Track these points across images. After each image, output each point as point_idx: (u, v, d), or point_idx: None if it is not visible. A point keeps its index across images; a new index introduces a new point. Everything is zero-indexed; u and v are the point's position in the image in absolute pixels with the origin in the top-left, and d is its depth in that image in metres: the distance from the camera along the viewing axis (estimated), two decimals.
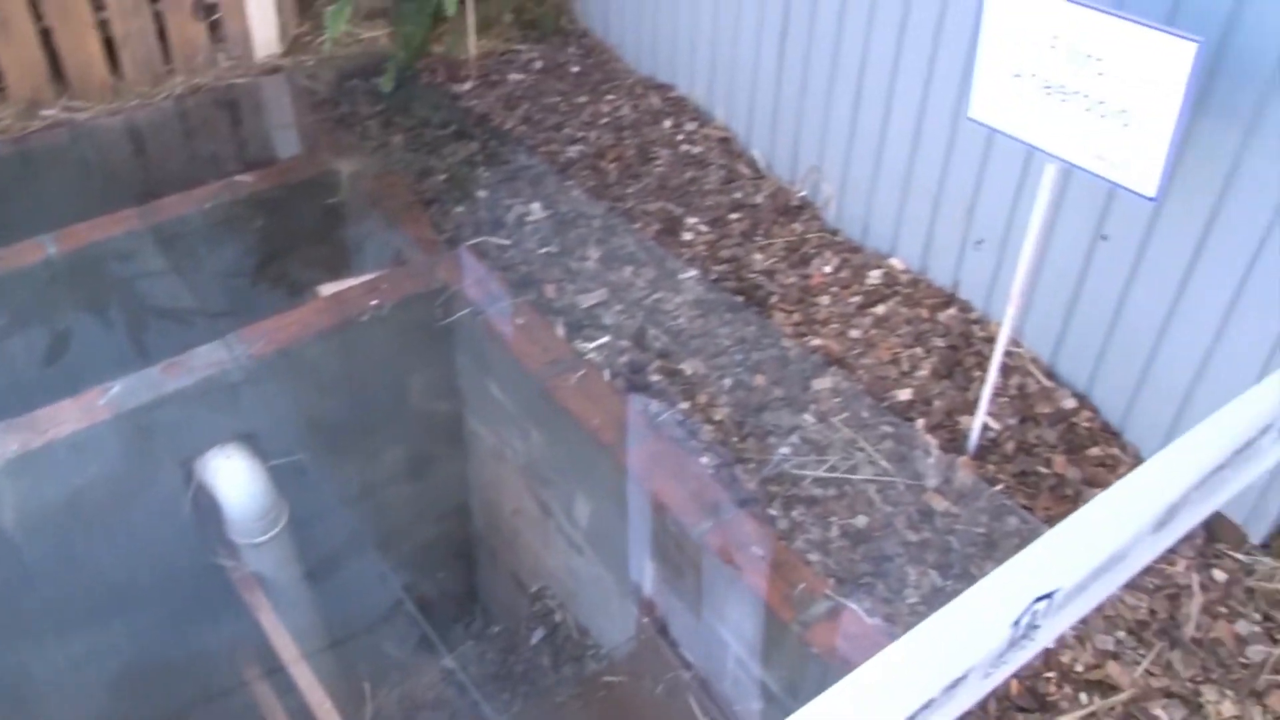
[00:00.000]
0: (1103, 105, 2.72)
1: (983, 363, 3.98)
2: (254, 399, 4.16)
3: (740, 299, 4.41)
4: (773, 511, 3.55)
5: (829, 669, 3.17)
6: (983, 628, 1.68)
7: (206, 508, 4.19)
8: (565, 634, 4.38)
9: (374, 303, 4.29)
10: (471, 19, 5.82)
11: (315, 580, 4.46)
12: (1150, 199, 2.75)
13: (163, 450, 4.11)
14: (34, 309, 4.69)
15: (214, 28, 5.80)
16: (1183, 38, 2.48)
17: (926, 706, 1.63)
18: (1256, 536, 3.40)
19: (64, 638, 4.19)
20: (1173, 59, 2.51)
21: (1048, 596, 1.75)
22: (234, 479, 4.18)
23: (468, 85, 5.89)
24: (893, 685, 1.62)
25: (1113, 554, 1.87)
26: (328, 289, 4.47)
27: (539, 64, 6.10)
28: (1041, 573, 1.71)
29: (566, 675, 4.22)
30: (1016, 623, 1.74)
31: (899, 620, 3.26)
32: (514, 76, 5.98)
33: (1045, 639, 1.93)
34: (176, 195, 4.91)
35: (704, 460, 3.73)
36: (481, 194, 5.00)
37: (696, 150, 5.24)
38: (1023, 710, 3.06)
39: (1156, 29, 2.55)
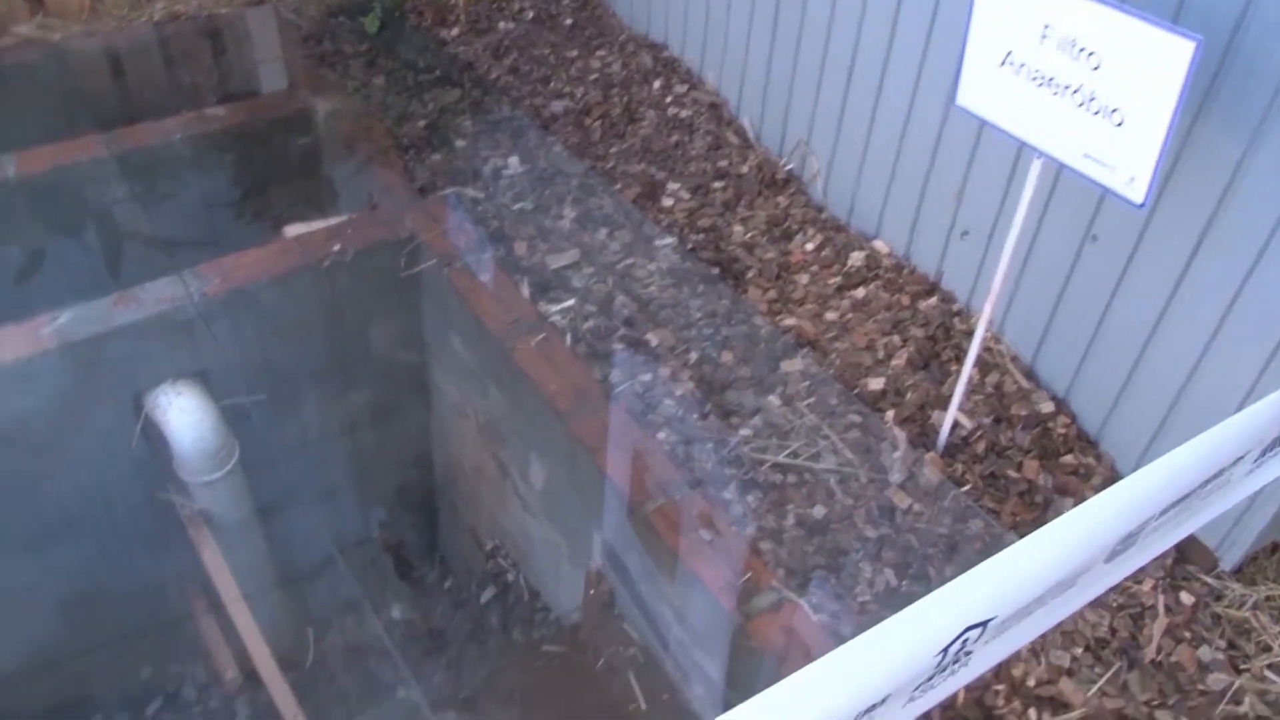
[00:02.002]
0: (1094, 102, 2.58)
1: (961, 356, 3.87)
2: (208, 337, 4.04)
3: (716, 271, 4.28)
4: (727, 495, 3.44)
5: (766, 662, 3.08)
6: (906, 654, 1.57)
7: (156, 443, 4.08)
8: (516, 595, 4.29)
9: (337, 248, 4.15)
10: None
11: (263, 522, 4.36)
12: (1138, 205, 2.61)
13: (112, 383, 3.99)
14: None
15: None
16: (1181, 35, 2.34)
17: None
18: (1228, 562, 3.30)
19: (7, 563, 4.09)
20: (1169, 58, 2.37)
21: (981, 625, 1.64)
22: (184, 416, 4.07)
23: (455, 31, 5.72)
24: (804, 708, 1.51)
25: (1058, 583, 1.76)
26: (293, 230, 4.33)
27: (530, 14, 5.91)
28: (975, 602, 1.60)
29: (515, 639, 4.14)
30: (945, 650, 1.63)
31: (846, 619, 3.16)
32: (504, 25, 5.80)
33: (980, 667, 1.83)
34: (146, 124, 4.76)
35: (661, 436, 3.61)
36: (460, 143, 4.85)
37: (685, 114, 5.08)
38: None
39: (1154, 24, 2.40)
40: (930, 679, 1.71)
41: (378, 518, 4.95)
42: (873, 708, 1.61)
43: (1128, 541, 1.87)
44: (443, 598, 4.41)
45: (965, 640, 1.66)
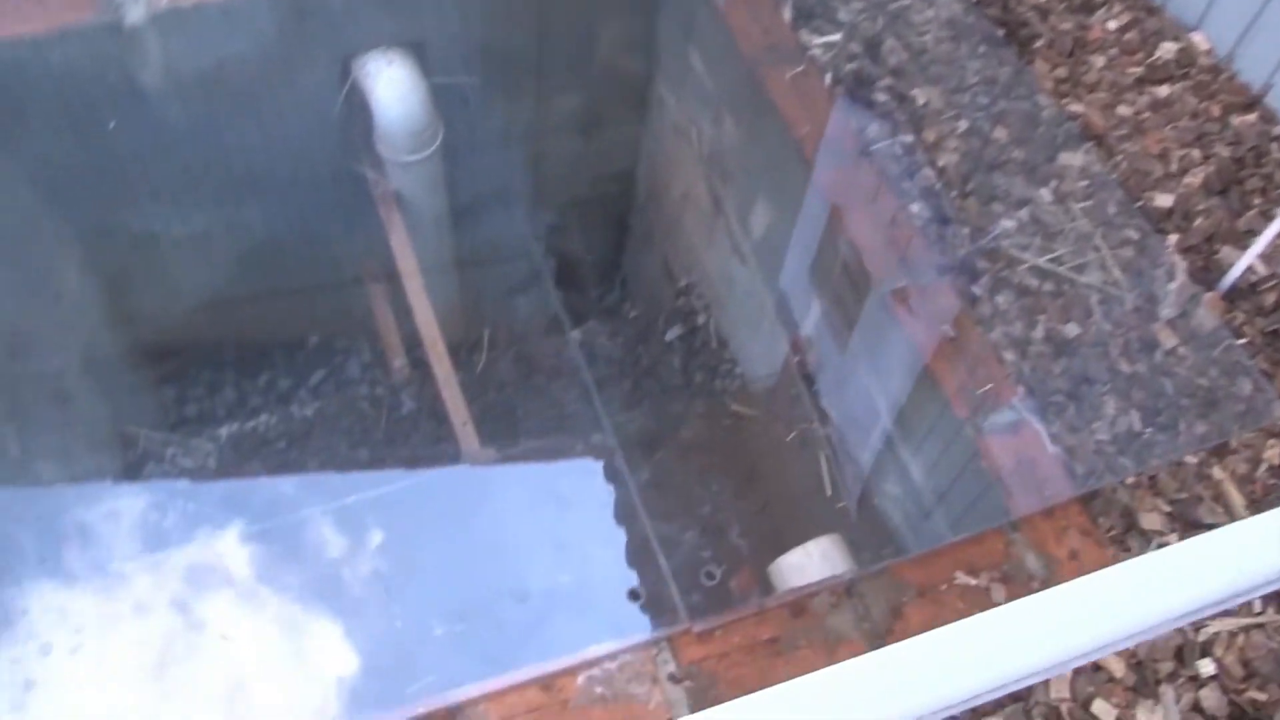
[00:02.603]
0: None
1: (1270, 190, 3.35)
2: (429, 5, 3.72)
3: (1001, 33, 3.75)
4: (976, 290, 3.10)
5: (986, 487, 2.83)
6: None
7: (358, 113, 3.85)
8: (703, 340, 4.07)
9: None
10: None
11: (455, 215, 4.17)
12: None
13: (321, 40, 3.73)
14: None
15: None
16: None
17: None
18: None
19: (195, 207, 4.01)
20: None
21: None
22: (392, 88, 3.81)
23: None
24: None
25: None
26: None
27: None
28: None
29: (695, 384, 3.95)
30: None
31: (1080, 458, 2.86)
32: None
33: None
34: None
35: (914, 208, 3.25)
36: None
37: None
38: None
39: None
40: None
41: (569, 226, 4.72)
42: None
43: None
44: (625, 324, 4.23)
45: None
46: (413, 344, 4.09)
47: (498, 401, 3.80)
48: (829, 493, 3.27)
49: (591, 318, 4.54)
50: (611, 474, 2.97)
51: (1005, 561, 2.65)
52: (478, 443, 3.20)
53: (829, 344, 3.41)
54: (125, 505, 3.31)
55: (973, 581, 2.61)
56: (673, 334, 4.12)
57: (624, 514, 2.89)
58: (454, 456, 3.26)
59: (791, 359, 3.54)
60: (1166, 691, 2.65)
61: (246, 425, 3.76)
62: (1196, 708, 2.63)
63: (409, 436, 3.63)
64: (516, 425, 3.61)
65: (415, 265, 3.80)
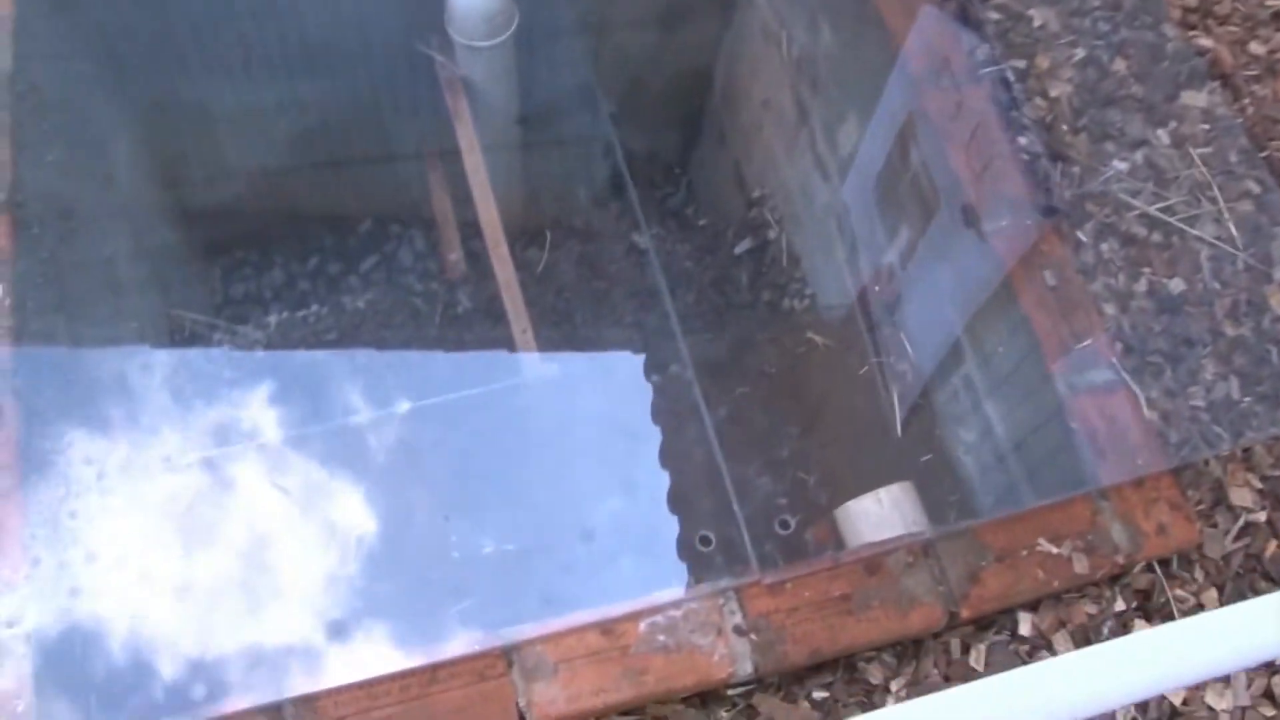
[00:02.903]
0: None
1: None
2: None
3: None
4: (1081, 236, 2.90)
5: (1075, 447, 2.67)
6: None
7: None
8: (774, 257, 3.88)
9: None
10: None
11: (525, 106, 3.95)
12: None
13: None
14: None
15: None
16: None
17: None
18: None
19: (253, 82, 3.81)
20: None
21: None
22: None
23: None
24: None
25: None
26: None
27: None
28: None
29: (763, 303, 3.78)
30: None
31: (1174, 423, 2.71)
32: None
33: None
34: None
35: (1020, 140, 3.03)
36: None
37: None
38: None
39: None
40: None
41: (641, 123, 4.49)
42: None
43: None
44: (694, 233, 4.04)
45: None
46: (468, 235, 3.93)
47: (558, 306, 3.65)
48: (898, 433, 3.13)
49: (659, 223, 4.35)
50: (687, 407, 2.83)
51: (1091, 530, 2.52)
52: (538, 353, 3.06)
53: (912, 276, 3.23)
54: (167, 381, 3.20)
55: (1055, 550, 2.48)
56: (742, 247, 3.94)
57: (697, 452, 2.76)
58: (513, 369, 3.13)
59: (870, 287, 3.37)
60: (1238, 676, 2.56)
61: (296, 314, 3.64)
62: (1268, 693, 2.54)
63: (463, 340, 3.49)
64: (579, 336, 3.46)
65: (479, 157, 3.60)
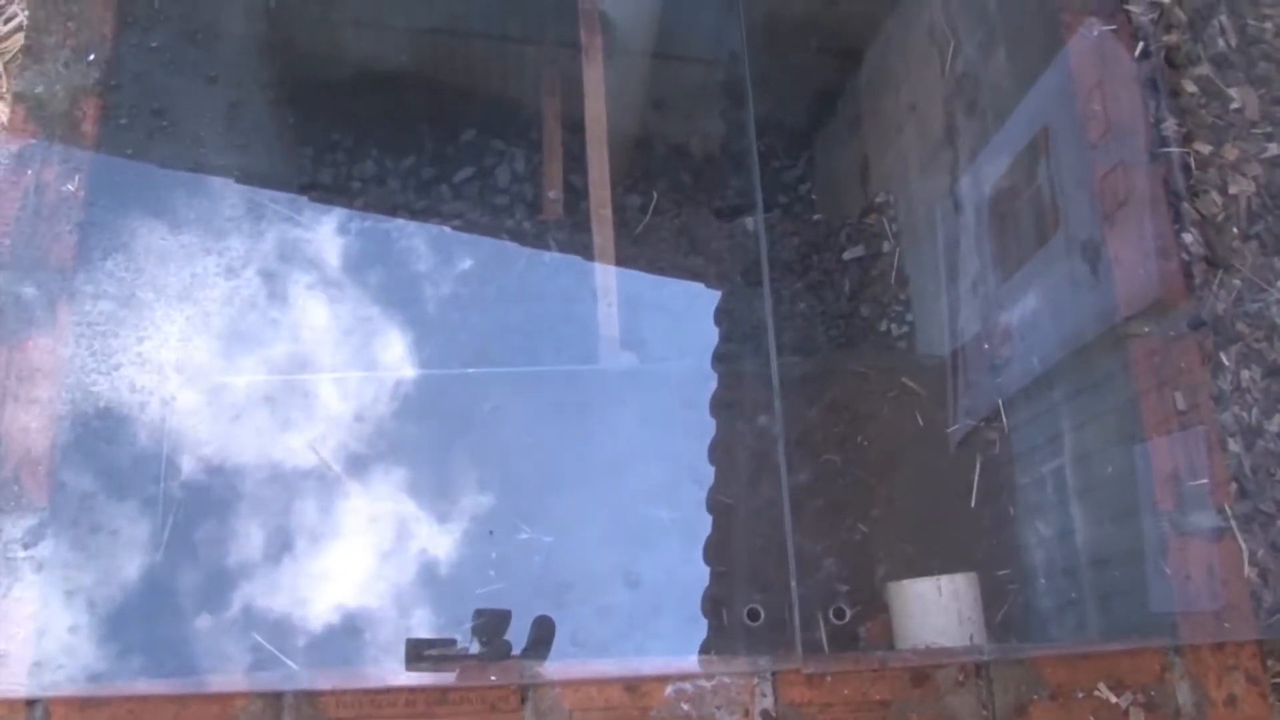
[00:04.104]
0: None
1: None
2: None
3: None
4: (1225, 358, 2.67)
5: (1162, 590, 2.49)
6: None
7: None
8: (882, 270, 3.63)
9: None
10: None
11: (659, 56, 3.69)
12: None
13: None
14: None
15: None
16: None
17: None
18: None
19: None
20: None
21: None
22: None
23: None
24: None
25: None
26: None
27: None
28: None
29: (859, 318, 3.55)
30: None
31: (1274, 586, 2.50)
32: None
33: None
34: None
35: (1185, 237, 2.78)
36: None
37: None
38: None
39: None
40: None
41: (778, 93, 4.19)
42: None
43: None
44: (803, 225, 3.77)
45: None
46: (570, 170, 3.71)
47: (649, 282, 3.42)
48: (973, 504, 2.94)
49: (771, 198, 4.09)
50: (768, 465, 2.64)
51: (1156, 685, 2.35)
52: (618, 337, 2.88)
53: (1031, 346, 3.00)
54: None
55: (1113, 699, 2.32)
56: (852, 253, 3.70)
57: (768, 516, 2.58)
58: (589, 350, 2.95)
59: (981, 341, 3.14)
60: None
61: (380, 225, 3.44)
62: None
63: (543, 293, 3.29)
64: (665, 325, 3.23)
65: (601, 106, 3.36)
